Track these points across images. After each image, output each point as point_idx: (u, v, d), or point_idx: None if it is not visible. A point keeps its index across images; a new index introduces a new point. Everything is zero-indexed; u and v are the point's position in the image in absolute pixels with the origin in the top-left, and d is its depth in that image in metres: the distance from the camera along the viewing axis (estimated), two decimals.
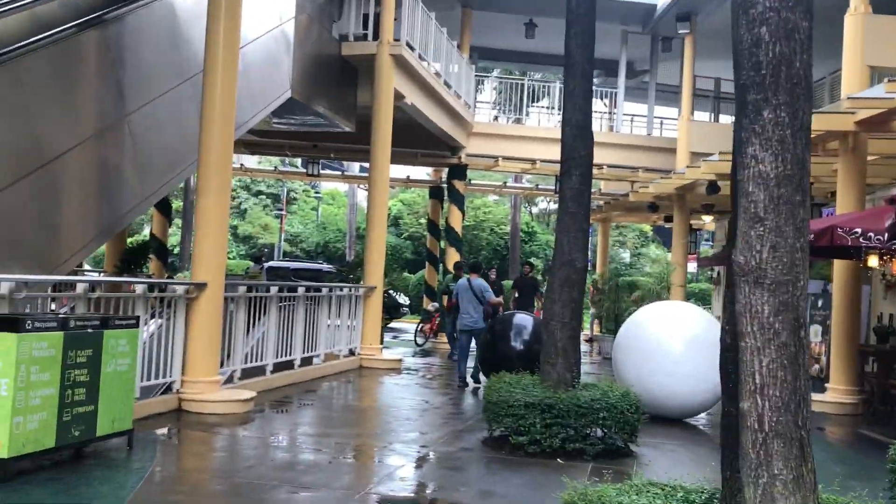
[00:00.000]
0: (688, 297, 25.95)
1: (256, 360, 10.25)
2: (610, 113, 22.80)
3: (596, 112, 22.09)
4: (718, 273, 23.43)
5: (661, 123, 22.81)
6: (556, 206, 34.89)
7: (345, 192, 49.39)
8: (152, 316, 8.94)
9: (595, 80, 21.23)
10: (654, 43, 20.57)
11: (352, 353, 13.35)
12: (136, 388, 7.76)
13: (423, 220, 40.27)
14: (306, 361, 11.71)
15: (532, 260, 31.22)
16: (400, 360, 13.70)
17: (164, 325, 8.88)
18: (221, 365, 9.52)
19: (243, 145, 18.71)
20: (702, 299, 28.09)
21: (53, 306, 8.93)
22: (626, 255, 53.25)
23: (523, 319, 11.39)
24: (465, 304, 11.91)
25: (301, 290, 11.48)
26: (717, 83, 23.61)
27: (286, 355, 10.98)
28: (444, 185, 21.11)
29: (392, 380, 12.11)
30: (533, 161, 18.76)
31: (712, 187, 16.10)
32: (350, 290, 13.26)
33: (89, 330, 6.13)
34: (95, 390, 6.16)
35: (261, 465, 6.26)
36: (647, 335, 9.52)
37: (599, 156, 19.76)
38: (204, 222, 8.75)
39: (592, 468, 6.65)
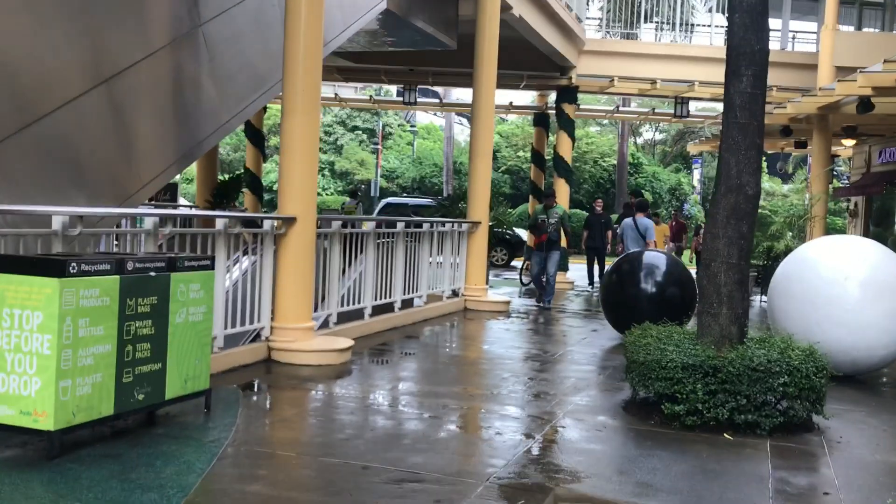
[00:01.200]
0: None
1: (353, 304, 9.15)
2: None
3: (719, 26, 19.81)
4: (856, 204, 21.07)
5: (794, 38, 20.34)
6: (661, 136, 32.32)
7: (441, 126, 47.97)
8: (243, 254, 7.92)
9: None
10: None
11: (455, 294, 12.14)
12: (219, 336, 6.77)
13: (521, 153, 38.58)
14: (407, 304, 10.56)
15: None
16: (507, 303, 12.42)
17: (250, 266, 7.85)
18: (315, 309, 8.45)
19: (336, 71, 17.50)
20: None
21: (144, 246, 7.99)
22: None
23: (655, 258, 9.87)
24: (630, 244, 12.12)
25: (400, 227, 10.26)
26: None
27: (385, 297, 9.85)
28: (551, 111, 19.46)
29: (500, 324, 10.85)
30: (652, 81, 16.85)
31: (865, 105, 13.92)
32: (453, 226, 11.98)
33: (152, 273, 5.02)
34: (163, 345, 5.10)
35: (358, 438, 5.09)
36: (815, 277, 7.86)
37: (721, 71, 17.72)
38: (290, 147, 7.54)
39: (772, 447, 5.22)
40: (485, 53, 12.26)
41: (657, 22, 20.58)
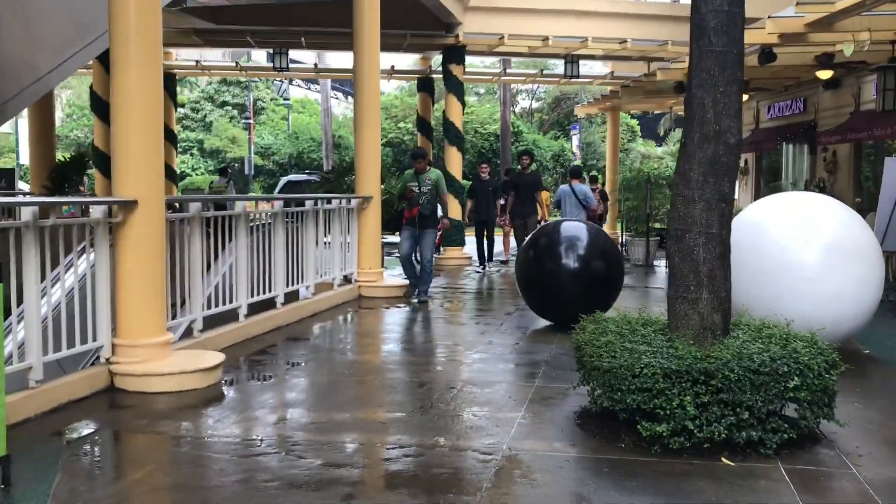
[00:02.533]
0: None
1: (224, 303, 7.39)
2: None
3: None
4: (746, 161, 20.64)
5: None
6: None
7: (316, 99, 45.61)
8: (82, 251, 6.03)
9: None
10: None
11: (347, 280, 10.51)
12: (36, 367, 4.99)
13: (402, 125, 36.91)
14: (292, 297, 8.87)
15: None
16: (406, 286, 10.88)
17: (75, 268, 6.00)
18: (174, 315, 6.69)
19: (194, 33, 15.30)
20: None
21: None
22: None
23: (574, 228, 8.55)
24: (569, 210, 12.15)
25: (279, 206, 8.51)
26: None
27: (265, 292, 8.11)
28: (439, 73, 18.02)
29: (402, 314, 9.32)
30: (544, 38, 15.55)
31: (767, 55, 13.10)
32: (341, 203, 10.30)
33: None
34: None
35: None
36: (769, 243, 6.72)
37: (619, 29, 16.66)
38: (125, 109, 5.69)
39: (790, 475, 3.93)
40: (365, 3, 10.55)
41: None
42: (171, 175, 19.67)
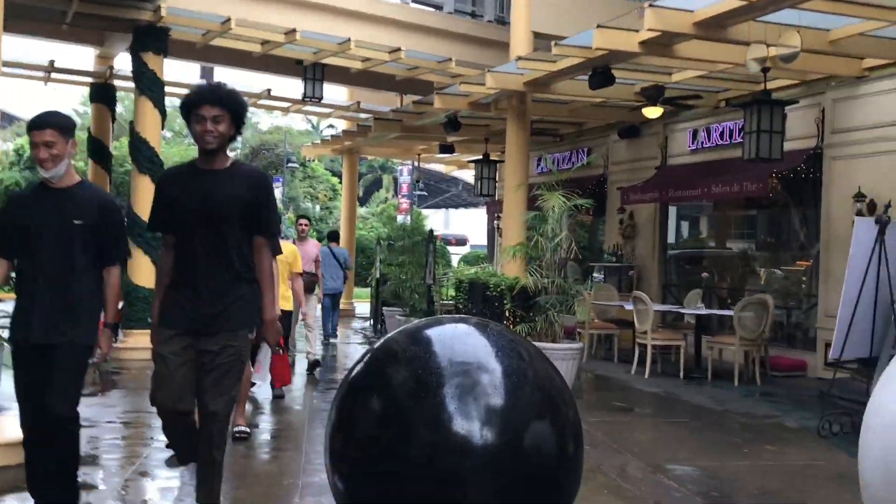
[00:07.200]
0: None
1: None
2: None
3: None
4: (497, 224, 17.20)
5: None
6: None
7: None
8: None
9: None
10: None
11: None
12: None
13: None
14: None
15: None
16: None
17: None
18: None
19: None
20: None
21: None
22: (317, 209, 46.66)
23: (460, 332, 3.56)
24: (330, 273, 11.42)
25: None
26: None
27: None
28: (121, 81, 12.15)
29: None
30: (290, 31, 10.52)
31: (602, 75, 9.45)
32: None
33: None
34: None
35: None
36: None
37: (389, 37, 12.14)
38: None
39: None
40: None
41: None
42: None
